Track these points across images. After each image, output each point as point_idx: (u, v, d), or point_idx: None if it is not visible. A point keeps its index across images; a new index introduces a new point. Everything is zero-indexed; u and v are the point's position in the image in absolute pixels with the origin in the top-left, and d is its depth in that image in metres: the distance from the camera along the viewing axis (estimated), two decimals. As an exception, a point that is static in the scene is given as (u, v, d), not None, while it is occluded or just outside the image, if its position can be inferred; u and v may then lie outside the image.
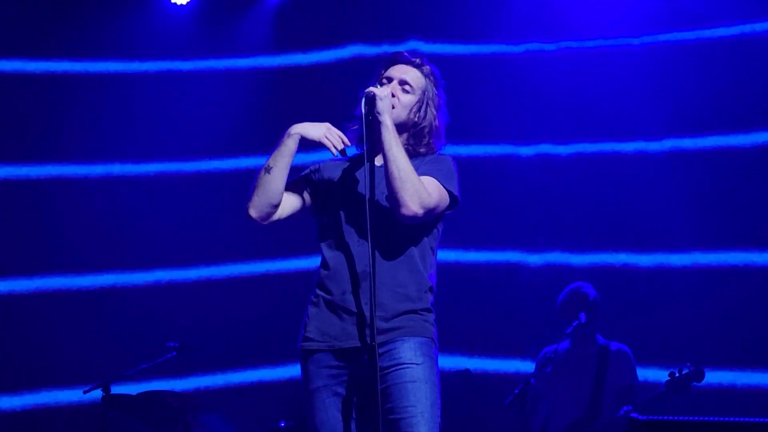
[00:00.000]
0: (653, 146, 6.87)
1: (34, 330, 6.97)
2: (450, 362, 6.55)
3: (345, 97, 6.76)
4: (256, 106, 7.21)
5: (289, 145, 3.54)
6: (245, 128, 7.15)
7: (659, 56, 6.88)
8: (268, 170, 3.54)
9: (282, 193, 3.57)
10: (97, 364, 6.75)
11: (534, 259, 6.95)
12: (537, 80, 7.00)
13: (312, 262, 6.72)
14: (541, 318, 6.58)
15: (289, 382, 6.49)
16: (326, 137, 3.53)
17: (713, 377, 6.31)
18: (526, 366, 6.73)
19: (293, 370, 6.17)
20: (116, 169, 7.22)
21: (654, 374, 6.36)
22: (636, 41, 6.94)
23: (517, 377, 6.71)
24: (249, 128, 7.11)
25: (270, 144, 7.19)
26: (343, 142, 3.53)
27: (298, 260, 7.05)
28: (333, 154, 3.54)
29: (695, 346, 6.42)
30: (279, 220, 3.62)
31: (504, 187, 6.96)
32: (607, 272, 6.77)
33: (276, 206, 3.58)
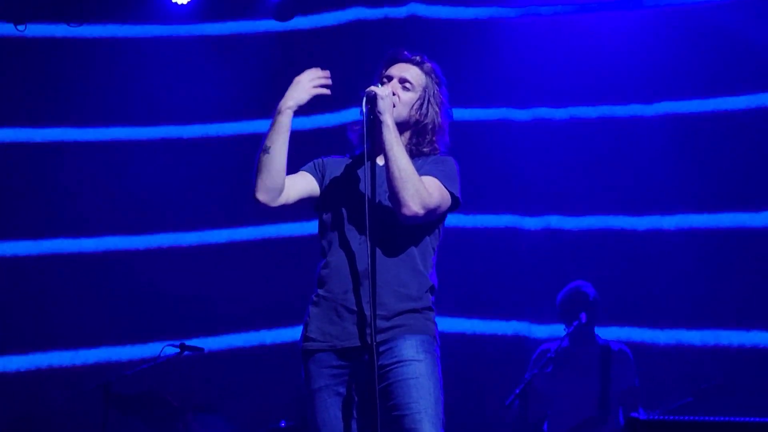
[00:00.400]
0: (647, 110, 6.88)
1: (38, 292, 7.01)
2: (449, 324, 6.60)
3: (346, 61, 6.86)
4: (258, 71, 7.17)
5: (283, 121, 3.50)
6: (247, 93, 7.13)
7: (653, 20, 6.87)
8: (266, 150, 3.49)
9: (284, 172, 3.52)
10: (98, 327, 6.86)
11: (531, 222, 6.98)
12: (533, 44, 6.99)
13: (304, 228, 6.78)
14: (539, 282, 6.65)
15: (289, 380, 6.55)
16: (313, 88, 3.52)
17: (708, 337, 6.40)
18: (522, 327, 6.80)
19: (293, 333, 6.29)
20: (119, 132, 7.22)
21: (647, 335, 6.43)
22: (630, 3, 6.96)
23: (515, 339, 6.79)
24: (251, 93, 7.07)
25: (271, 109, 7.25)
26: (325, 77, 3.53)
27: (297, 225, 7.06)
28: (329, 92, 3.52)
29: (686, 307, 6.51)
30: (287, 205, 3.57)
31: (499, 152, 6.97)
32: (602, 235, 6.81)
33: (281, 187, 3.52)
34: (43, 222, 7.08)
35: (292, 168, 3.63)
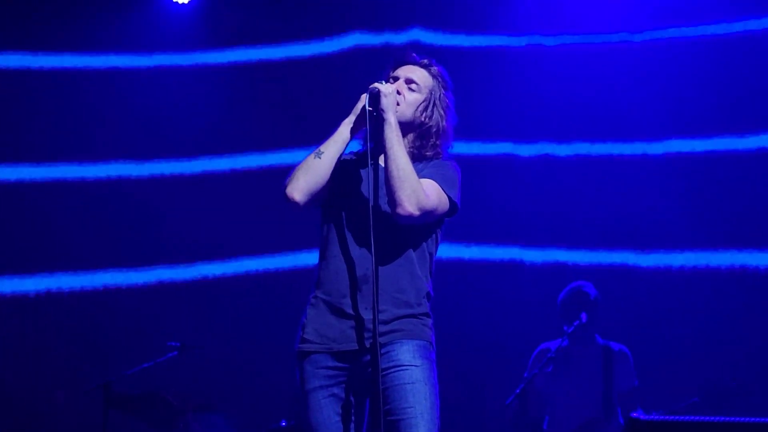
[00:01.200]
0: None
1: (44, 217, 7.13)
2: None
3: (347, 88, 6.80)
4: (257, 101, 7.21)
5: (344, 132, 3.51)
6: (244, 122, 7.17)
7: (659, 54, 6.88)
8: (318, 155, 3.48)
9: (325, 181, 3.48)
10: (102, 252, 7.04)
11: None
12: (538, 76, 6.98)
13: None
14: (542, 315, 6.60)
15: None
16: (386, 95, 3.46)
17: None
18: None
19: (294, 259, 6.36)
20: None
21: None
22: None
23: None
24: (248, 122, 7.14)
25: (272, 138, 7.22)
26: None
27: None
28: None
29: (696, 348, 6.49)
30: (308, 207, 3.53)
31: (504, 186, 6.96)
32: (607, 272, 6.79)
33: (316, 193, 3.49)
34: (48, 148, 7.16)
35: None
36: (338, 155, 3.50)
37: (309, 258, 6.66)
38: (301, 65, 7.24)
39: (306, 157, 3.50)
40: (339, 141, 3.51)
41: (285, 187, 3.48)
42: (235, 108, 7.22)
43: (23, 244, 7.13)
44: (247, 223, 7.09)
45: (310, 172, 3.47)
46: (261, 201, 6.68)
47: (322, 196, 3.52)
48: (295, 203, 3.47)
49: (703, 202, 6.69)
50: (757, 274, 6.63)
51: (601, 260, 6.86)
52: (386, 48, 7.12)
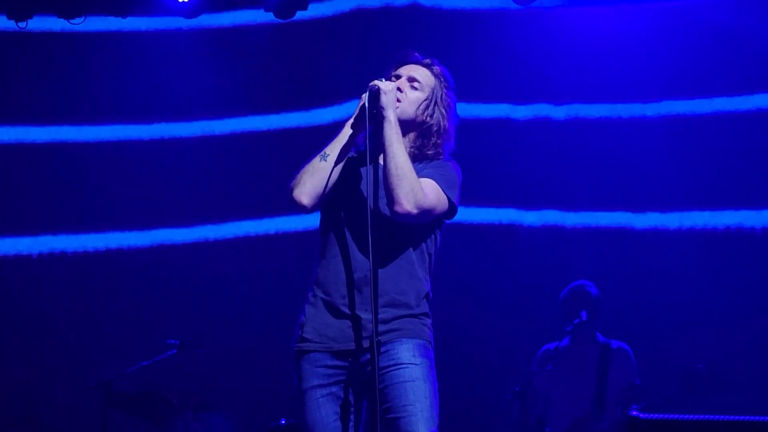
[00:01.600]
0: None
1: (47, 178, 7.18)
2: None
3: (347, 51, 6.80)
4: (257, 63, 7.16)
5: (348, 133, 3.51)
6: (247, 85, 7.14)
7: (657, 16, 6.84)
8: (324, 158, 3.48)
9: (332, 183, 3.49)
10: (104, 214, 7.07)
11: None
12: (536, 37, 6.95)
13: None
14: (538, 276, 6.66)
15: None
16: (385, 92, 3.44)
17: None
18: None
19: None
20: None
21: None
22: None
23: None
24: (251, 85, 7.11)
25: (272, 102, 7.20)
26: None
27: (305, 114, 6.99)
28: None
29: (686, 307, 6.52)
30: (315, 209, 3.54)
31: (501, 148, 6.95)
32: (603, 232, 6.82)
33: (325, 195, 3.49)
34: (49, 110, 7.18)
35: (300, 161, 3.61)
36: (344, 156, 3.50)
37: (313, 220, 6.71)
38: (300, 28, 7.13)
39: (311, 160, 3.49)
40: (343, 142, 3.50)
41: (291, 190, 3.49)
42: (233, 71, 7.18)
43: (25, 205, 7.16)
44: (246, 185, 7.12)
45: (316, 175, 3.47)
46: (261, 163, 6.73)
47: (329, 198, 3.52)
48: (302, 206, 3.48)
49: (699, 162, 6.69)
50: (754, 234, 6.65)
51: (597, 222, 6.87)
52: (386, 10, 7.05)
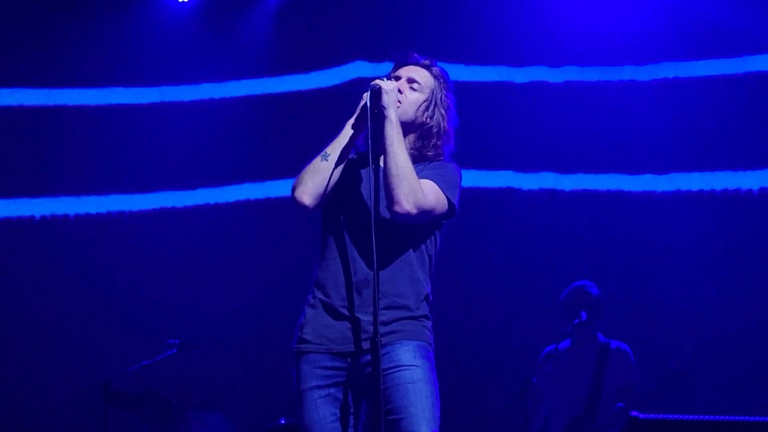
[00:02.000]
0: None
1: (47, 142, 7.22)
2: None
3: (345, 16, 6.82)
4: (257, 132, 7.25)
5: (349, 133, 3.50)
6: (246, 154, 7.22)
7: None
8: (325, 157, 3.47)
9: (334, 183, 3.48)
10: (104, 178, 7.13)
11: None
12: (531, 6, 6.98)
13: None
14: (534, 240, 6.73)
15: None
16: (387, 92, 3.43)
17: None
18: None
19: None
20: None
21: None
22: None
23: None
24: (249, 154, 7.20)
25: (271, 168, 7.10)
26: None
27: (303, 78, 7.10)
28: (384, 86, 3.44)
29: (680, 273, 6.60)
30: (317, 209, 3.52)
31: (498, 113, 6.95)
32: (597, 196, 6.89)
33: (327, 194, 3.48)
34: (52, 75, 7.23)
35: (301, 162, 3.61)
36: (345, 156, 3.48)
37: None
38: (301, 98, 7.10)
39: (313, 160, 3.48)
40: (345, 142, 3.48)
41: (293, 190, 3.48)
42: (233, 140, 7.27)
43: (26, 168, 7.19)
44: (249, 149, 7.17)
45: (318, 175, 3.46)
46: (264, 128, 6.74)
47: (330, 198, 3.51)
48: (304, 206, 3.46)
49: (694, 125, 6.72)
50: (750, 196, 6.68)
51: (592, 185, 6.92)
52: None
